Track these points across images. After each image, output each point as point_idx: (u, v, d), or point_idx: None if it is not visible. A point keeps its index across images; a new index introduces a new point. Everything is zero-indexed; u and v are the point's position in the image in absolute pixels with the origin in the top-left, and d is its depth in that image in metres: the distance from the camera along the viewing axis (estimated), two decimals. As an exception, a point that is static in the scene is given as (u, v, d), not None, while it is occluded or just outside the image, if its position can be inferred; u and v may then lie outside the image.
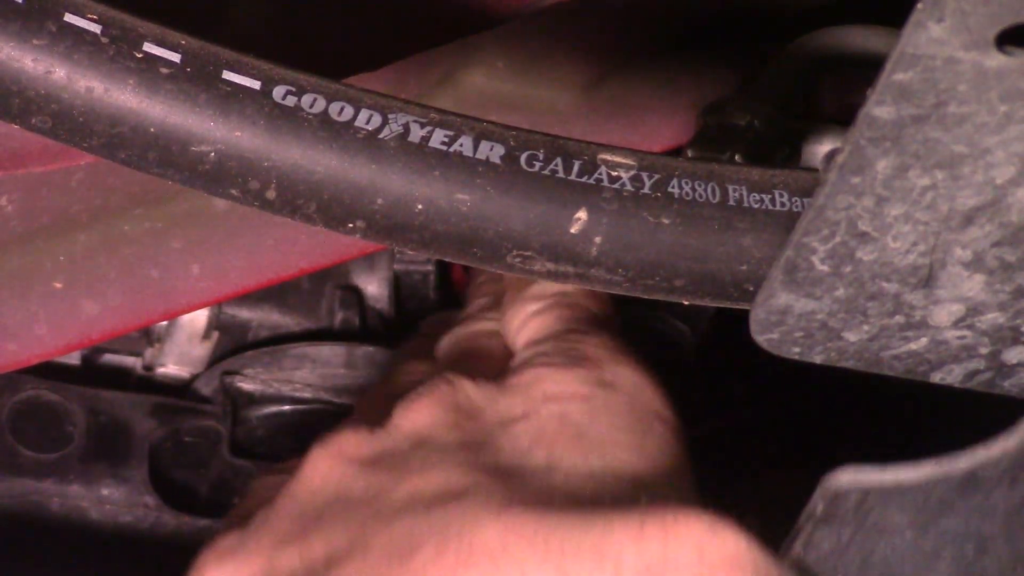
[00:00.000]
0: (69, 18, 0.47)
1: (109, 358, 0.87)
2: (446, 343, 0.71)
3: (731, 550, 0.51)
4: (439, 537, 0.53)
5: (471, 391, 0.63)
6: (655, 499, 0.55)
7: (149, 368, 0.87)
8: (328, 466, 0.61)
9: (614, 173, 0.50)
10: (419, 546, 0.53)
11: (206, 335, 0.84)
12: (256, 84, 0.48)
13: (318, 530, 0.58)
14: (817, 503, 0.53)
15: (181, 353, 0.85)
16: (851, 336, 0.51)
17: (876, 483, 0.52)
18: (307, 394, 0.86)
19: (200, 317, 0.84)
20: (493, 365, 0.67)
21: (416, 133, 0.49)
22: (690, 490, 0.60)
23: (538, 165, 0.50)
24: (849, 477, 0.52)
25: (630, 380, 0.62)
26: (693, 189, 0.50)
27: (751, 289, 0.51)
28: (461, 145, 0.49)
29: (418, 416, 0.62)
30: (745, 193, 0.51)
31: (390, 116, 0.49)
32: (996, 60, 0.42)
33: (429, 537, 0.53)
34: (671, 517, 0.51)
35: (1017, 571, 0.54)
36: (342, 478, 0.60)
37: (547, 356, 0.64)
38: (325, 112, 0.48)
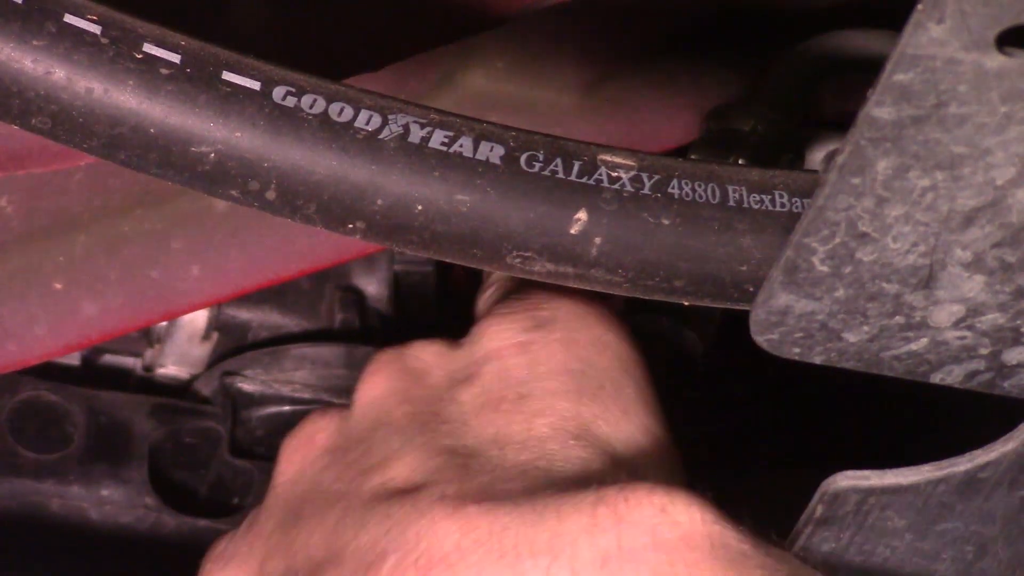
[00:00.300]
0: (69, 19, 0.47)
1: (109, 359, 0.87)
2: None
3: (685, 528, 0.51)
4: (400, 545, 0.54)
5: (421, 352, 0.64)
6: (595, 455, 0.56)
7: (149, 369, 0.87)
8: (301, 456, 0.63)
9: (614, 174, 0.50)
10: (384, 555, 0.54)
11: (206, 336, 0.84)
12: (256, 85, 0.48)
13: (298, 532, 0.59)
14: (816, 506, 0.53)
15: (181, 354, 0.85)
16: (851, 337, 0.51)
17: (875, 486, 0.52)
18: (307, 395, 0.86)
19: (200, 318, 0.84)
20: None
21: (416, 134, 0.49)
22: (636, 414, 0.60)
23: (538, 166, 0.50)
24: (848, 480, 0.52)
25: (568, 311, 0.63)
26: (693, 190, 0.50)
27: (751, 290, 0.51)
28: (461, 146, 0.49)
29: (373, 388, 0.63)
30: (745, 194, 0.51)
31: (390, 117, 0.49)
32: (996, 61, 0.42)
33: (391, 545, 0.54)
34: (623, 501, 0.51)
35: (1016, 574, 0.54)
36: (313, 469, 0.62)
37: (492, 307, 0.65)
38: (325, 113, 0.48)
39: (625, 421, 0.60)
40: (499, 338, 0.62)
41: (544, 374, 0.61)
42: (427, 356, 0.64)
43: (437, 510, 0.54)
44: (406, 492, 0.56)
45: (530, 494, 0.54)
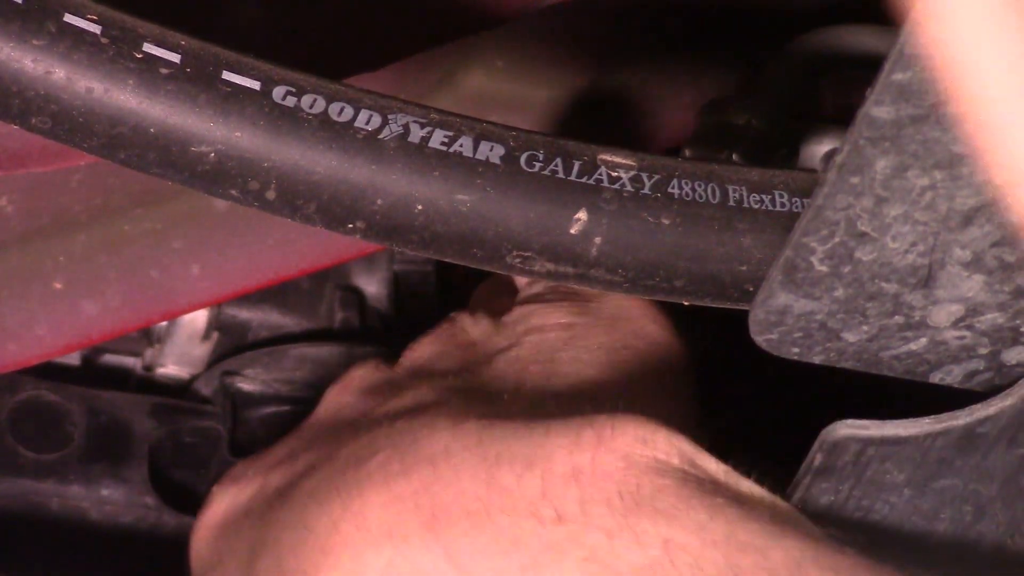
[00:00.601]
0: (69, 18, 0.47)
1: (109, 358, 0.87)
2: None
3: (660, 456, 0.52)
4: (393, 444, 0.56)
5: (468, 327, 0.67)
6: (604, 409, 0.57)
7: (149, 368, 0.87)
8: (333, 397, 0.66)
9: (614, 173, 0.50)
10: (375, 452, 0.56)
11: (206, 335, 0.84)
12: (256, 84, 0.48)
13: (307, 450, 0.61)
14: (816, 454, 0.53)
15: (181, 353, 0.85)
16: (850, 336, 0.51)
17: (874, 435, 0.52)
18: (307, 394, 0.86)
19: (200, 317, 0.84)
20: None
21: (416, 133, 0.49)
22: (665, 403, 0.62)
23: (538, 165, 0.50)
24: (848, 428, 0.52)
25: (615, 304, 0.65)
26: (693, 190, 0.51)
27: (751, 289, 0.51)
28: (461, 145, 0.49)
29: (421, 351, 0.67)
30: (745, 194, 0.51)
31: (390, 116, 0.49)
32: (995, 60, 0.42)
33: (386, 445, 0.56)
34: (608, 427, 0.53)
35: (1014, 537, 0.54)
36: (342, 406, 0.64)
37: (539, 295, 0.67)
38: (325, 112, 0.48)
39: (649, 400, 0.61)
40: (546, 318, 0.65)
41: (580, 347, 0.63)
42: (474, 331, 0.66)
43: (437, 421, 0.56)
44: (411, 410, 0.59)
45: (529, 419, 0.55)
